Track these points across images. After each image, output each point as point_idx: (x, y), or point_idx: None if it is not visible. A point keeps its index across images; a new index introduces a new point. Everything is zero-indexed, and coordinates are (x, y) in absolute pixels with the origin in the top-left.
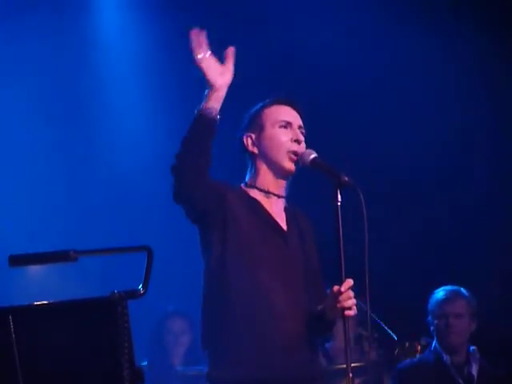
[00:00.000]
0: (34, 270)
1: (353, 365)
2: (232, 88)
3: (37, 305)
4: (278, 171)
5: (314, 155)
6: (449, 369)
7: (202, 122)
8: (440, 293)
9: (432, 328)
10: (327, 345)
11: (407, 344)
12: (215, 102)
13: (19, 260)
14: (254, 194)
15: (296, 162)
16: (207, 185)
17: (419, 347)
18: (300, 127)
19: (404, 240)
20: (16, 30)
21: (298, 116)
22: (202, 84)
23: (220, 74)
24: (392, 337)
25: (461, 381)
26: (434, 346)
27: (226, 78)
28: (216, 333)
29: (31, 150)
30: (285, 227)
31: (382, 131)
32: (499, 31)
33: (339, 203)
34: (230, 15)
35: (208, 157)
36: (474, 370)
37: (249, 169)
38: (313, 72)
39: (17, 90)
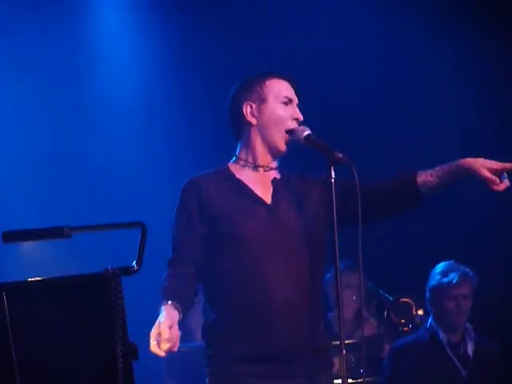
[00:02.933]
0: (28, 246)
1: (351, 341)
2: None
3: (30, 281)
4: (271, 148)
5: (307, 132)
6: (445, 348)
7: None
8: (448, 274)
9: (433, 307)
10: (328, 314)
11: (399, 301)
12: None
13: (13, 236)
14: (239, 169)
15: (286, 143)
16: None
17: (413, 303)
18: (297, 106)
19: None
20: (15, 28)
21: (295, 94)
22: (202, 83)
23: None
24: (388, 299)
25: (456, 360)
26: (430, 323)
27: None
28: (212, 313)
29: (26, 131)
30: (269, 200)
31: (381, 126)
32: (499, 27)
33: (333, 180)
34: (230, 13)
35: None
36: (470, 349)
37: (241, 139)
38: (312, 70)
39: (17, 84)
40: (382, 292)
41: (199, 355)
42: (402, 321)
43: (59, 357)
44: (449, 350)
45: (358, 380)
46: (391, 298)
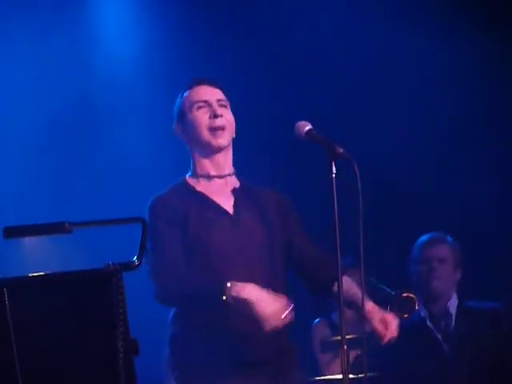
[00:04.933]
0: (29, 242)
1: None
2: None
3: (31, 277)
4: (209, 150)
5: (308, 127)
6: (425, 321)
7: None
8: (423, 238)
9: (414, 278)
10: (333, 315)
11: (401, 296)
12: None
13: (14, 232)
14: (196, 182)
15: (213, 137)
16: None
17: (415, 297)
18: (219, 100)
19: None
20: (15, 29)
21: (217, 90)
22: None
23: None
24: (390, 294)
25: (438, 334)
26: (419, 305)
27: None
28: (177, 323)
29: (25, 124)
30: (230, 209)
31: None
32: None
33: (334, 175)
34: (231, 11)
35: None
36: (453, 321)
37: (190, 156)
38: (313, 69)
39: (13, 74)
40: (384, 287)
41: None
42: (405, 315)
43: (60, 352)
44: (430, 324)
45: (359, 375)
46: (393, 293)
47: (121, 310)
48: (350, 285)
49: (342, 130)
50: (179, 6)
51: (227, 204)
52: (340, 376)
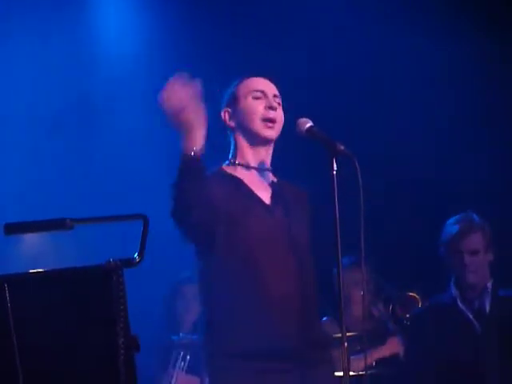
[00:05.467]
0: (30, 238)
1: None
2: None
3: (32, 273)
4: (256, 140)
5: (309, 124)
6: (456, 303)
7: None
8: (453, 226)
9: (446, 262)
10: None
11: (404, 296)
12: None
13: (15, 228)
14: (235, 170)
15: (266, 129)
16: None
17: (419, 297)
18: (275, 96)
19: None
20: (15, 28)
21: (273, 85)
22: (207, 75)
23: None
24: (392, 292)
25: (470, 315)
26: (451, 282)
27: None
28: (210, 311)
29: (28, 121)
30: (268, 201)
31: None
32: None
33: (335, 172)
34: (231, 11)
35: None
36: (487, 304)
37: (230, 144)
38: (313, 69)
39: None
40: (387, 285)
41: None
42: (408, 315)
43: (61, 348)
44: (461, 305)
45: (360, 372)
46: (396, 292)
47: (121, 307)
48: None
49: (342, 129)
50: (179, 6)
51: (265, 195)
52: (352, 373)
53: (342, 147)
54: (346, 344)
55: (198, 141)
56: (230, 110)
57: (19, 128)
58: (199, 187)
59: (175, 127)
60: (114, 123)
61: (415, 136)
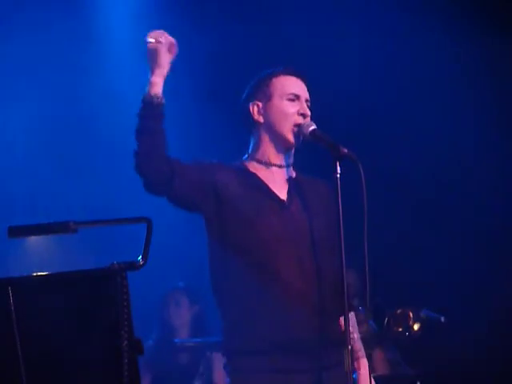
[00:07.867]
0: (34, 241)
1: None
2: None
3: (36, 276)
4: (281, 143)
5: (313, 127)
6: None
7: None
8: None
9: None
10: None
11: (398, 311)
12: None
13: (19, 231)
14: (254, 166)
15: (296, 135)
16: (181, 176)
17: (411, 314)
18: (307, 101)
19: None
20: (15, 28)
21: (306, 89)
22: (212, 75)
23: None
24: (385, 308)
25: None
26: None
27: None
28: (227, 310)
29: (31, 123)
30: (284, 197)
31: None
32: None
33: (338, 175)
34: (231, 11)
35: (163, 147)
36: None
37: (252, 138)
38: (315, 68)
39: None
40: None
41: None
42: (400, 329)
43: (64, 351)
44: None
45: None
46: (389, 309)
47: (125, 310)
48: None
49: (342, 129)
50: (179, 6)
51: (281, 191)
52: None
53: (346, 150)
54: (349, 347)
55: (162, 73)
56: (260, 104)
57: (19, 128)
58: (160, 132)
59: (148, 61)
60: (114, 125)
61: (419, 134)
